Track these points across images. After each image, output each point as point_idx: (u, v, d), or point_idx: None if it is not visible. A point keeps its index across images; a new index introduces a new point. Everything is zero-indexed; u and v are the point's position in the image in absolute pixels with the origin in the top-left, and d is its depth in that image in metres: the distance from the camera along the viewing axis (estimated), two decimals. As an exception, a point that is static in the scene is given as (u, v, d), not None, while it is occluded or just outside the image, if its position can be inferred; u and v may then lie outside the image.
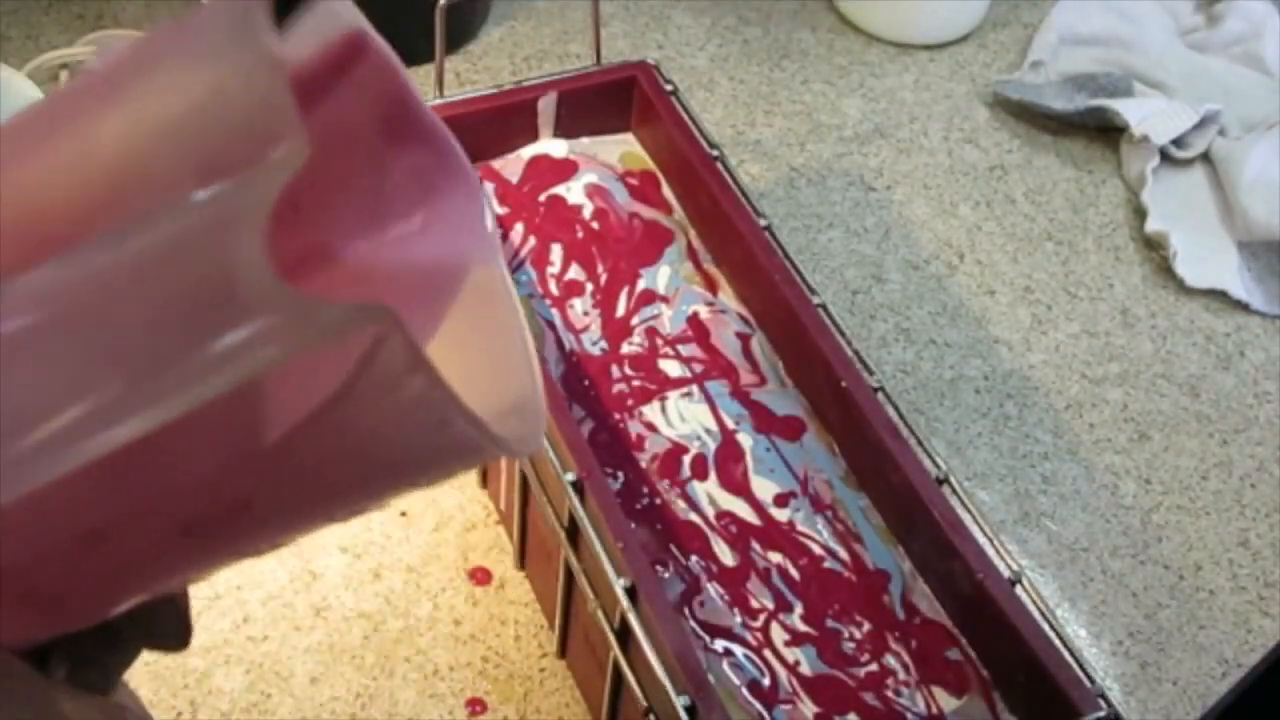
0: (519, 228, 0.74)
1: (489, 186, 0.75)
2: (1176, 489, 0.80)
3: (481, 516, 0.73)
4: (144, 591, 0.30)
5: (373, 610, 0.69)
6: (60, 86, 0.88)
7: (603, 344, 0.70)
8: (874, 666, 0.60)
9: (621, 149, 0.78)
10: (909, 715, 0.59)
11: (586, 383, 0.68)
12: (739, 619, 0.61)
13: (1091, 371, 0.85)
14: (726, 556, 0.63)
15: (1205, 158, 0.97)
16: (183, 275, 0.25)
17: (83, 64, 0.88)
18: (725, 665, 0.59)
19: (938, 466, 0.62)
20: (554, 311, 0.71)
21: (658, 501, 0.64)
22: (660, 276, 0.73)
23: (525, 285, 0.72)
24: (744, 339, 0.71)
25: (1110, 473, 0.80)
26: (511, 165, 0.76)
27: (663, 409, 0.68)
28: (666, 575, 0.62)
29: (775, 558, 0.63)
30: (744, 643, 0.60)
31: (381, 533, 0.72)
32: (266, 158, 0.25)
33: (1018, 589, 0.58)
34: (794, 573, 0.63)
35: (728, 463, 0.66)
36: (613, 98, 0.77)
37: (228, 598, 0.69)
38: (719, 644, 0.60)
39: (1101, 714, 0.55)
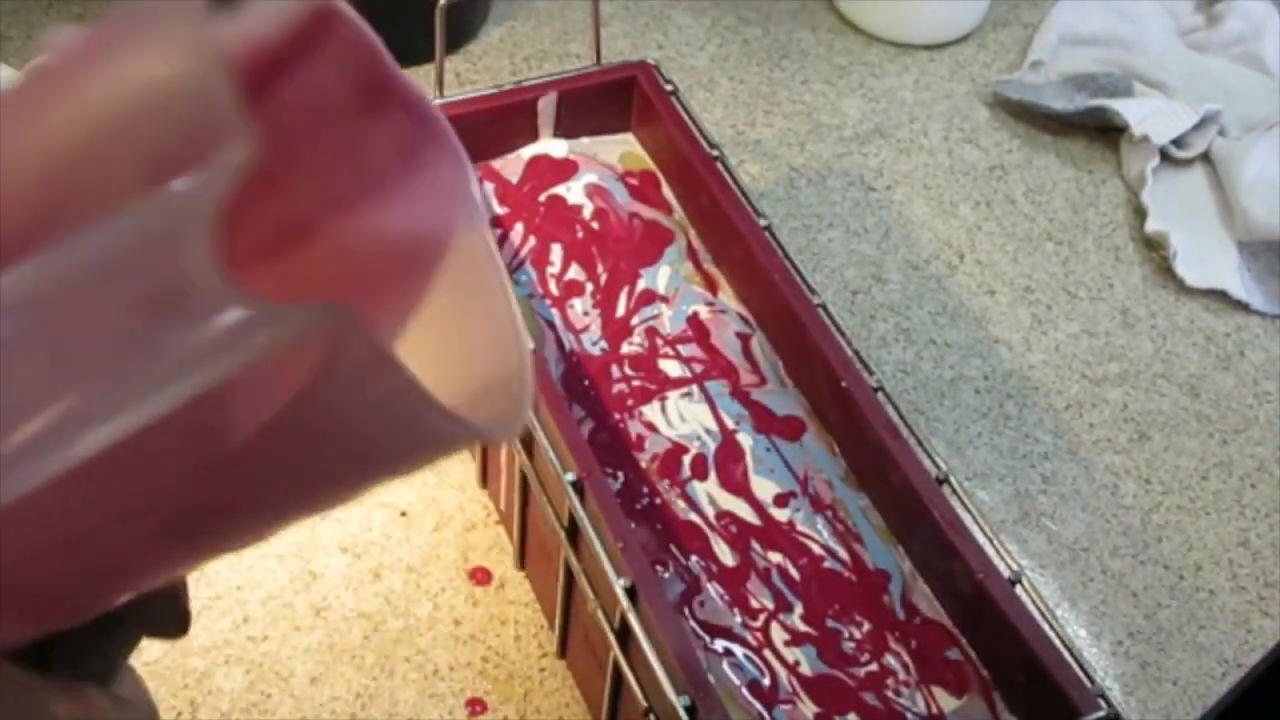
0: (519, 228, 0.74)
1: (489, 187, 0.75)
2: (1176, 489, 0.80)
3: (481, 516, 0.73)
4: (132, 590, 0.30)
5: (373, 610, 0.69)
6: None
7: (603, 344, 0.70)
8: (874, 666, 0.60)
9: (621, 149, 0.78)
10: (909, 715, 0.59)
11: (586, 383, 0.68)
12: (739, 619, 0.61)
13: (1091, 371, 0.85)
14: (726, 556, 0.63)
15: (1205, 158, 0.97)
16: (134, 287, 0.24)
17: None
18: (725, 665, 0.59)
19: (938, 466, 0.62)
20: (554, 311, 0.71)
21: (658, 501, 0.64)
22: (660, 276, 0.73)
23: (525, 285, 0.72)
24: (744, 339, 0.71)
25: (1110, 473, 0.80)
26: (511, 165, 0.76)
27: (663, 409, 0.68)
28: (666, 575, 0.62)
29: (775, 558, 0.63)
30: (744, 643, 0.60)
31: (381, 533, 0.72)
32: (213, 158, 0.24)
33: (1018, 589, 0.58)
34: (794, 573, 0.63)
35: (728, 463, 0.66)
36: (613, 98, 0.77)
37: (228, 598, 0.69)
38: (719, 644, 0.60)
39: (1101, 714, 0.55)
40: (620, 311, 0.71)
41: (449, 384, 0.30)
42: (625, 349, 0.70)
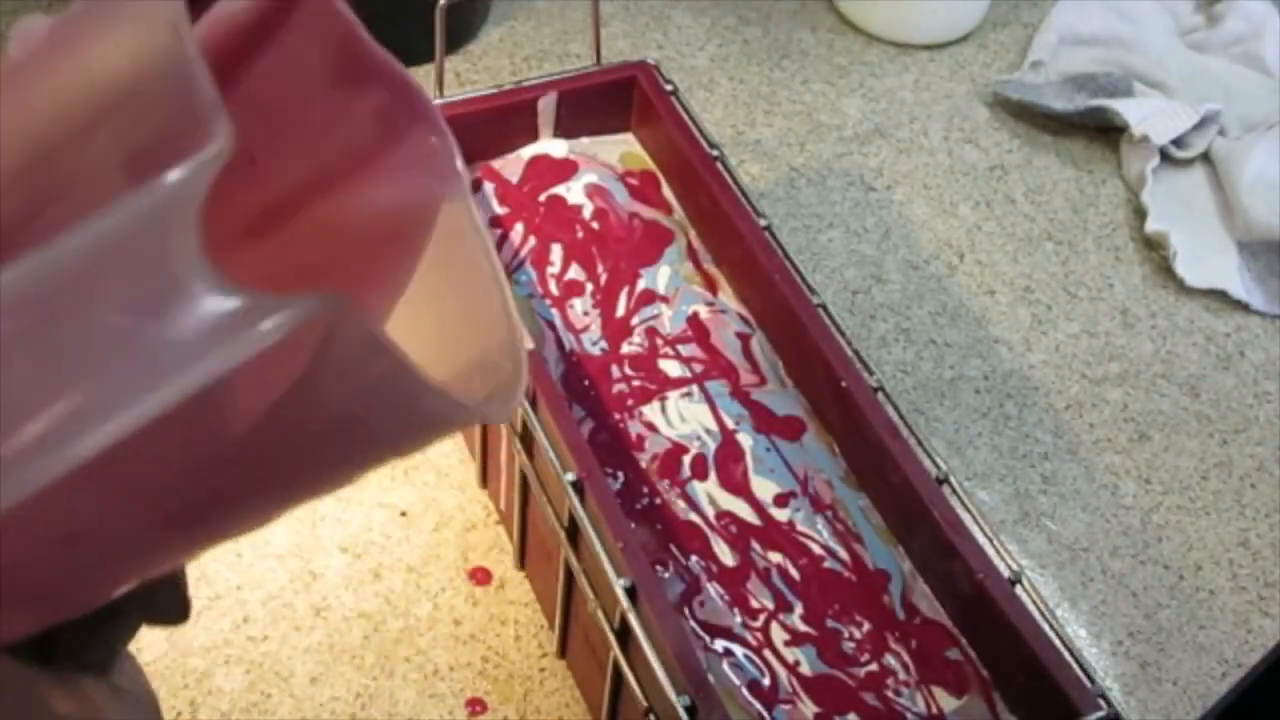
0: (519, 228, 0.74)
1: (489, 187, 0.75)
2: (1176, 489, 0.80)
3: (481, 516, 0.73)
4: (134, 580, 0.30)
5: (373, 610, 0.69)
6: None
7: (603, 344, 0.70)
8: (874, 666, 0.60)
9: (621, 149, 0.78)
10: (909, 715, 0.59)
11: (586, 383, 0.68)
12: (739, 619, 0.61)
13: (1091, 371, 0.85)
14: (726, 556, 0.63)
15: (1205, 158, 0.97)
16: (124, 283, 0.24)
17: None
18: (725, 665, 0.59)
19: (938, 466, 0.62)
20: (554, 311, 0.71)
21: (658, 501, 0.64)
22: (660, 276, 0.73)
23: (525, 285, 0.72)
24: (744, 339, 0.71)
25: (1110, 473, 0.80)
26: (511, 165, 0.76)
27: (663, 409, 0.68)
28: (666, 575, 0.62)
29: (775, 558, 0.63)
30: (744, 643, 0.60)
31: (381, 533, 0.72)
32: (193, 146, 0.24)
33: (1018, 589, 0.58)
34: (794, 573, 0.63)
35: (728, 463, 0.66)
36: (613, 98, 0.77)
37: (228, 598, 0.69)
38: (719, 644, 0.60)
39: (1101, 714, 0.54)
40: (620, 311, 0.71)
41: (442, 361, 0.30)
42: (625, 349, 0.70)
